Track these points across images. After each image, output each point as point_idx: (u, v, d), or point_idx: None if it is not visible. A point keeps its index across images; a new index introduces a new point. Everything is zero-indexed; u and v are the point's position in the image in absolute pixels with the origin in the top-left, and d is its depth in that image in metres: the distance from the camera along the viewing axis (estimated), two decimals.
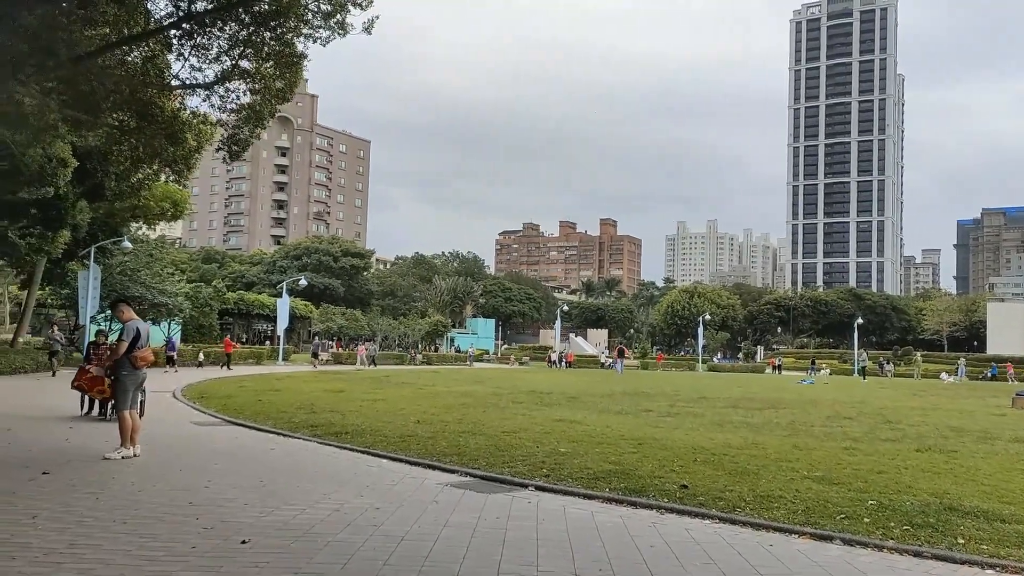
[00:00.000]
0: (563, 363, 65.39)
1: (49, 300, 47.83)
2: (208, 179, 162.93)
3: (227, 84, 14.78)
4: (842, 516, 7.31)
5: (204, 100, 14.97)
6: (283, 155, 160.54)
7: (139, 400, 13.74)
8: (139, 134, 14.80)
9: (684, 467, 9.84)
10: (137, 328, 9.75)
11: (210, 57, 14.39)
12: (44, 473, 8.40)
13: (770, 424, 16.05)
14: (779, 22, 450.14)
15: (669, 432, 13.90)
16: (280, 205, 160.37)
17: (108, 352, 14.48)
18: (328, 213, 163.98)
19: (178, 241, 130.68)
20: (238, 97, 14.96)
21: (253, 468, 9.40)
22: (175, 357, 35.10)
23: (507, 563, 5.60)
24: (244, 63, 14.37)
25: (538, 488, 8.72)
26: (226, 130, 14.80)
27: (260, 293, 73.06)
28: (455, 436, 12.62)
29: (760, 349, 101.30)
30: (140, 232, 47.74)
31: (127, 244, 35.89)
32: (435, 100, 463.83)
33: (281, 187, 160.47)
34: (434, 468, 9.92)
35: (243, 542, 5.82)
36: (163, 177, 17.61)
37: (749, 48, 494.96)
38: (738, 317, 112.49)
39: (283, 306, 51.85)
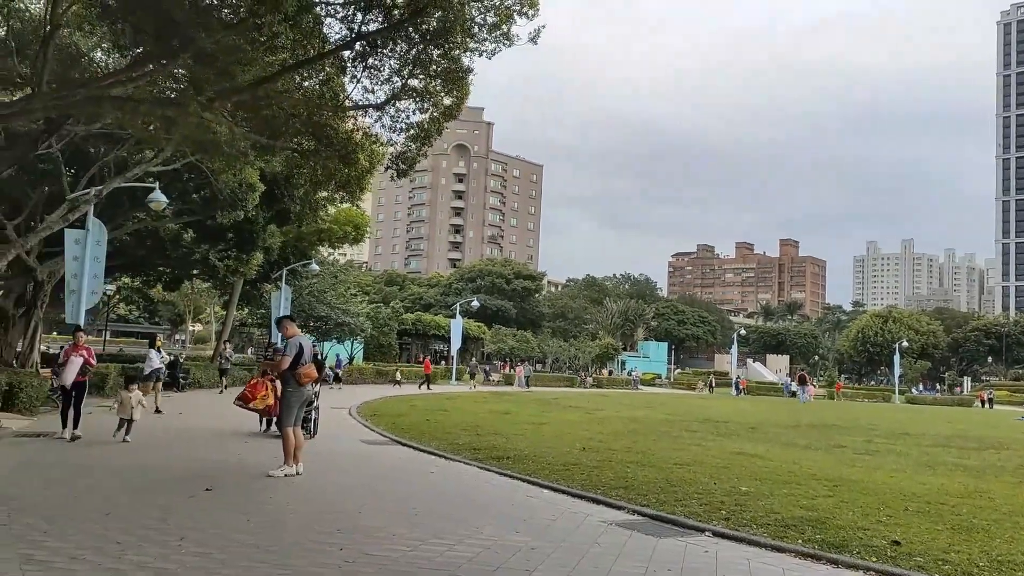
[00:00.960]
0: (738, 390, 62.20)
1: (248, 319, 51.62)
2: (392, 206, 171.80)
3: (397, 104, 14.88)
4: None
5: (376, 121, 15.17)
6: (460, 181, 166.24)
7: (311, 418, 13.90)
8: (316, 156, 15.19)
9: (893, 517, 8.37)
10: (300, 344, 9.68)
11: (382, 78, 14.52)
12: (207, 489, 8.39)
13: (993, 468, 13.82)
14: (984, 27, 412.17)
15: (869, 473, 12.22)
16: (457, 229, 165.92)
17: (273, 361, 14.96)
18: (502, 236, 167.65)
19: (364, 265, 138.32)
20: (408, 116, 15.01)
21: (409, 493, 8.99)
22: (341, 374, 36.51)
23: None
24: (413, 82, 14.40)
25: (716, 534, 7.65)
26: (395, 149, 14.89)
27: (436, 314, 75.24)
28: (623, 466, 11.70)
29: (967, 380, 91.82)
30: (331, 257, 50.70)
31: (314, 267, 37.85)
32: (612, 123, 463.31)
33: (458, 212, 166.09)
34: (598, 503, 9.08)
35: None
36: (338, 199, 18.12)
37: (949, 56, 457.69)
38: (940, 345, 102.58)
39: (456, 327, 52.81)
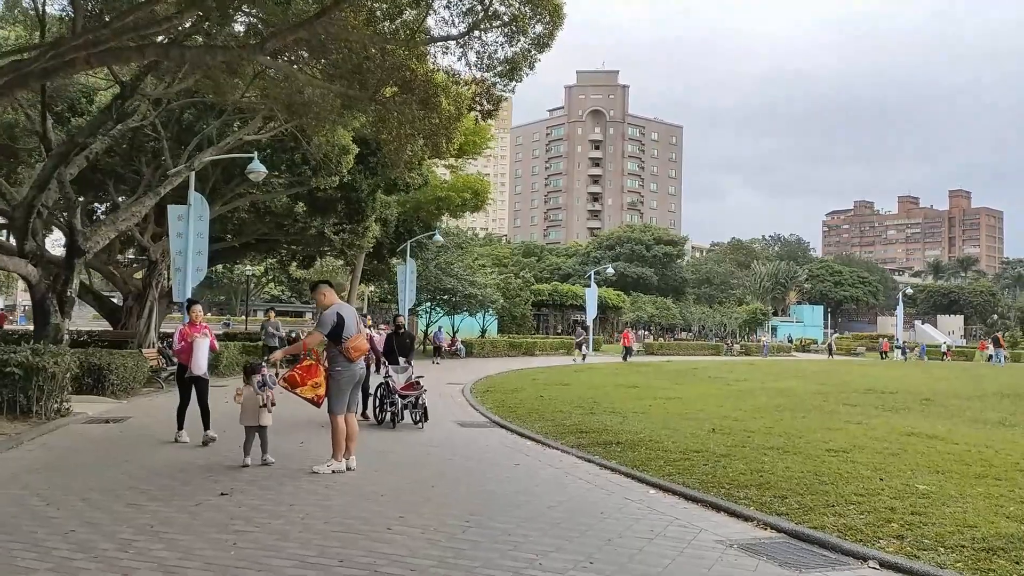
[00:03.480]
0: (904, 353, 56.58)
1: (388, 296, 51.63)
2: (528, 177, 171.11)
3: (482, 37, 12.97)
4: None
5: (459, 59, 13.36)
6: (596, 148, 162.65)
7: (420, 403, 11.94)
8: (396, 106, 13.58)
9: None
10: (338, 314, 8.00)
11: (462, 7, 12.66)
12: (221, 494, 6.89)
13: None
14: None
15: None
16: (595, 197, 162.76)
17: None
18: (642, 202, 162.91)
19: (503, 238, 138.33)
20: (495, 51, 13.10)
21: (475, 497, 7.16)
22: (443, 348, 35.02)
23: None
24: (497, 5, 12.45)
25: (885, 565, 5.34)
26: (481, 88, 13.02)
27: (574, 284, 73.41)
28: (759, 454, 9.38)
29: None
30: (469, 231, 49.89)
31: (438, 238, 36.83)
32: (758, 82, 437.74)
33: (595, 180, 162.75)
34: (718, 509, 6.90)
35: None
36: (426, 155, 16.50)
37: None
38: None
39: (591, 296, 50.67)
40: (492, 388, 19.62)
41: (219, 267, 62.41)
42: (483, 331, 47.58)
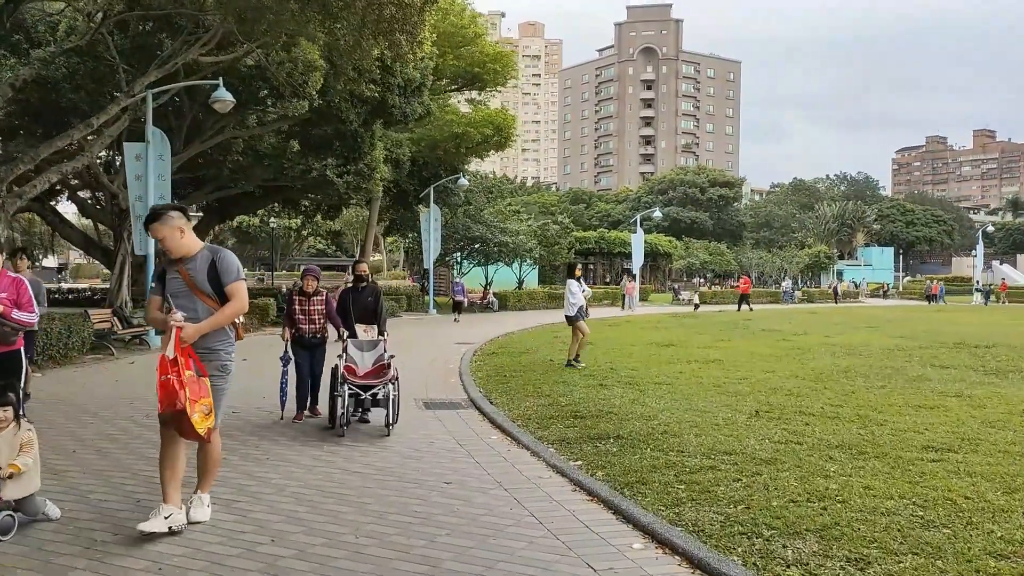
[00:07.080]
0: (988, 298, 51.68)
1: (402, 246, 48.86)
2: (578, 122, 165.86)
3: None
4: None
5: None
6: (648, 88, 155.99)
7: (388, 397, 7.78)
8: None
9: None
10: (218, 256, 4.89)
11: None
12: None
13: None
14: None
15: None
16: (647, 141, 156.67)
17: (323, 306, 9.89)
18: (697, 144, 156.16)
19: (553, 186, 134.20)
20: None
21: (357, 541, 4.24)
22: (464, 303, 30.06)
23: None
24: None
25: None
26: None
27: (623, 231, 69.77)
28: (820, 459, 6.30)
29: None
30: (519, 179, 46.60)
31: (463, 181, 33.79)
32: (821, 11, 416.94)
33: (648, 122, 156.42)
34: None
35: None
36: (386, 54, 13.30)
37: None
38: None
39: (637, 242, 47.06)
40: (502, 349, 16.75)
41: (255, 221, 60.49)
42: (520, 282, 44.60)
